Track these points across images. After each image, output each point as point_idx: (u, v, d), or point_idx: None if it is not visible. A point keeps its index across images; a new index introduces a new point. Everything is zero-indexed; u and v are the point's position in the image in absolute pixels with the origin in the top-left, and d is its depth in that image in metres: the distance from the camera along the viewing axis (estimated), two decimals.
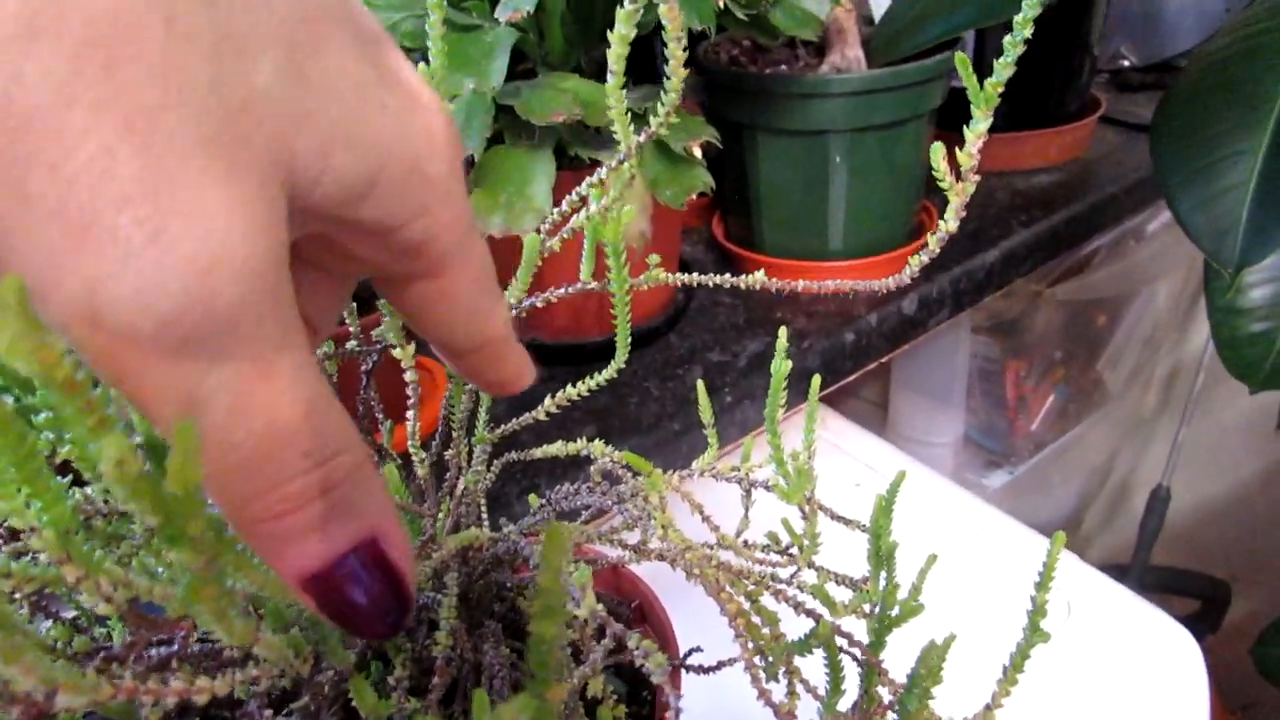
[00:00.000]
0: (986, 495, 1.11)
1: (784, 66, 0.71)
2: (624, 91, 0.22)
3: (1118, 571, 1.32)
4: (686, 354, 0.68)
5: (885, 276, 0.31)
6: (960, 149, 0.27)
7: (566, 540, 0.13)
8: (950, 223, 0.28)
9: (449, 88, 0.49)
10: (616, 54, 0.20)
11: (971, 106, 0.27)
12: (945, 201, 0.28)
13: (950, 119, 0.68)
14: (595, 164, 0.53)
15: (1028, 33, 0.25)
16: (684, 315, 0.72)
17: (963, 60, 0.26)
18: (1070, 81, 0.96)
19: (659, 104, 0.21)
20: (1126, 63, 1.17)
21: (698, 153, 0.57)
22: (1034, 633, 0.29)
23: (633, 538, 0.35)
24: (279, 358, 0.15)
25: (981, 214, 0.85)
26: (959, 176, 0.29)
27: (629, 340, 0.34)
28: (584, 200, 0.28)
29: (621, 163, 0.24)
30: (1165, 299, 1.19)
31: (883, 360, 0.74)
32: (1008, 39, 0.26)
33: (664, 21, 0.19)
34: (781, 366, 0.34)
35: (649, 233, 0.53)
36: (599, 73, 0.59)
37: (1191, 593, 1.30)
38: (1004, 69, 0.27)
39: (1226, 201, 0.54)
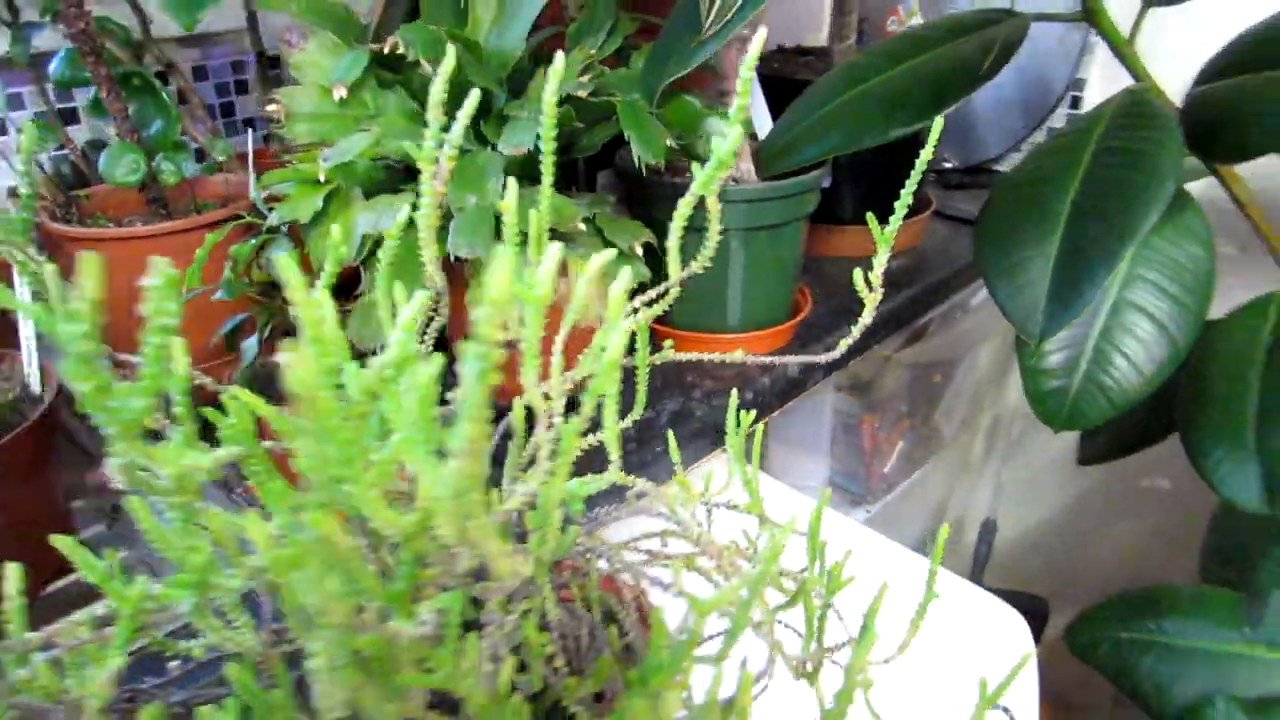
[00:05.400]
0: None
1: (690, 174, 0.87)
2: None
3: None
4: None
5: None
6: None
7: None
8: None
9: (454, 202, 0.61)
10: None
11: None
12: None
13: (820, 216, 0.90)
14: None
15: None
16: None
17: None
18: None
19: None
20: (949, 165, 1.40)
21: (639, 250, 0.71)
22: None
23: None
24: None
25: (850, 292, 1.03)
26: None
27: None
28: None
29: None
30: (986, 360, 1.41)
31: (773, 414, 0.90)
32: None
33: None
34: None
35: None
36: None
37: (1017, 610, 1.51)
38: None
39: (1030, 292, 0.73)
